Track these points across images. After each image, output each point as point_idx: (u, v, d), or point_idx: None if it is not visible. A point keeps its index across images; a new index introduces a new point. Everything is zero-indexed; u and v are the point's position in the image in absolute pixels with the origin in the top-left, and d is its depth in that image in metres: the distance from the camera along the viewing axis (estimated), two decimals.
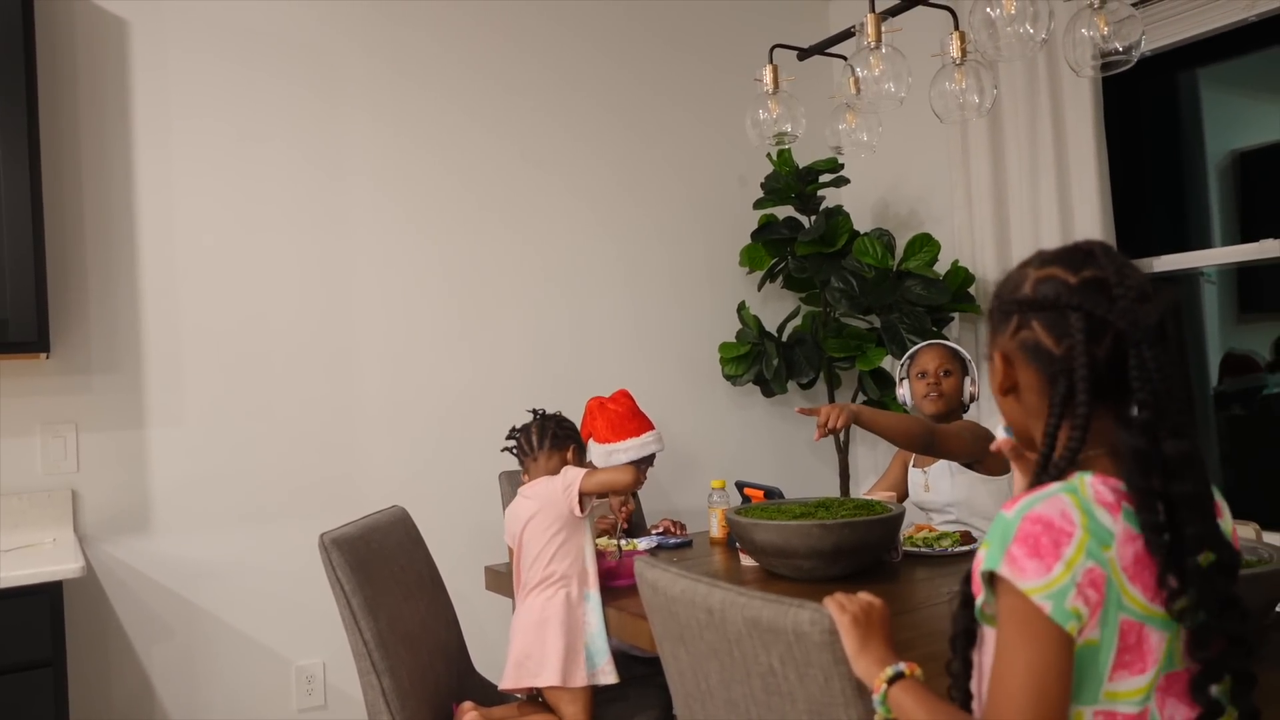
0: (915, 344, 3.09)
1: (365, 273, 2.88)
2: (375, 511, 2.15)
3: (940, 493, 2.49)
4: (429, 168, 3.00)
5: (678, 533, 2.55)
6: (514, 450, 2.16)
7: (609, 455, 2.49)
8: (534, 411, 2.20)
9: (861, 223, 3.75)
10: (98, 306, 2.50)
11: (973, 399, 2.55)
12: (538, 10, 3.22)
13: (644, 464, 2.52)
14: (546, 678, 1.92)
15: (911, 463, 2.63)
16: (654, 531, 2.52)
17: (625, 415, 2.51)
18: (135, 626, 2.51)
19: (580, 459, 2.15)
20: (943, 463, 2.48)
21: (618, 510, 2.50)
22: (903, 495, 2.63)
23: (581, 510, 1.98)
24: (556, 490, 1.99)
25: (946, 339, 2.99)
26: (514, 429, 2.18)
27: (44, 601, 1.96)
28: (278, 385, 2.73)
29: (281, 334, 2.74)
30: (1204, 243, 2.95)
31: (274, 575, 2.69)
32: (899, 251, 3.32)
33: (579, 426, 2.30)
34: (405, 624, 1.99)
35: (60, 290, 2.45)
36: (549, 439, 2.12)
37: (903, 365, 2.65)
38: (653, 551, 2.35)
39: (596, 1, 3.34)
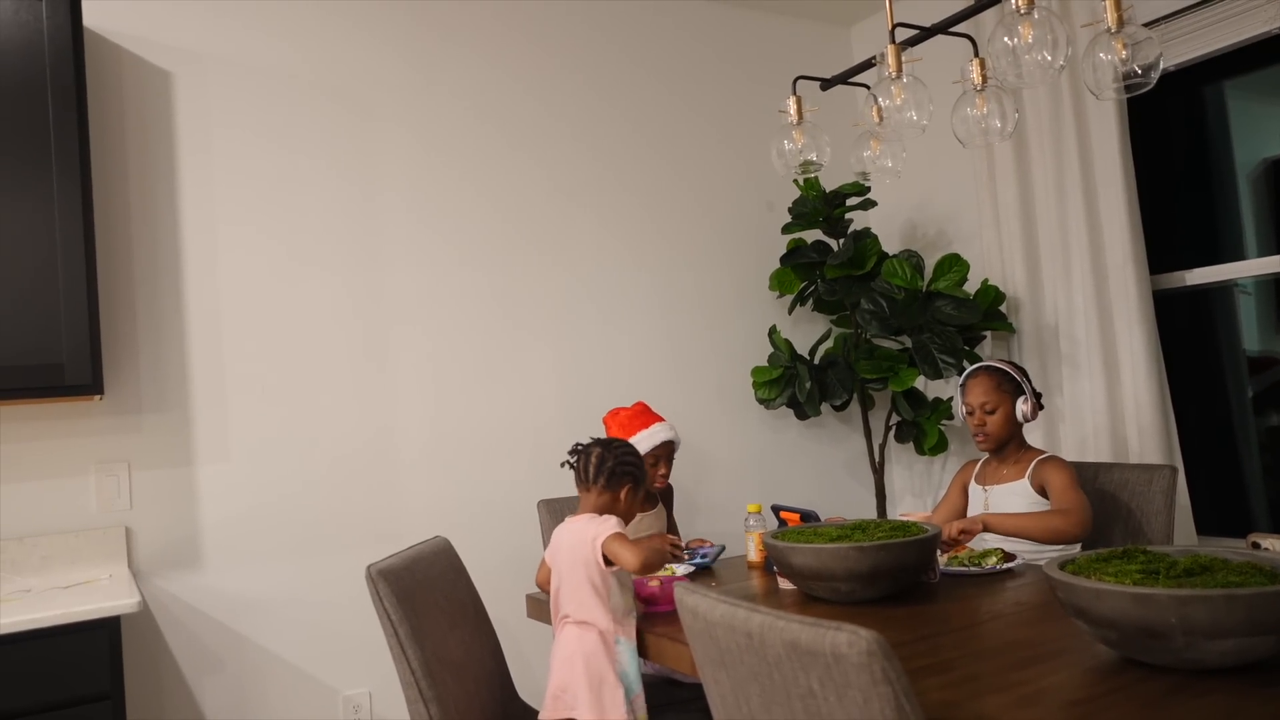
0: (948, 364, 3.08)
1: (404, 308, 2.95)
2: (419, 542, 2.18)
3: (1005, 509, 2.47)
4: (465, 203, 3.07)
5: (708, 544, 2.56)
6: (572, 466, 2.13)
7: None
8: (597, 439, 2.15)
9: (890, 244, 3.78)
10: (147, 349, 2.59)
11: (1025, 419, 2.47)
12: (569, 49, 3.30)
13: (662, 458, 2.61)
14: (582, 711, 1.91)
15: (973, 479, 2.60)
16: (693, 547, 2.54)
17: (635, 414, 2.67)
18: (187, 659, 2.57)
19: (633, 500, 2.10)
20: (1016, 484, 2.45)
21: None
22: (960, 518, 2.60)
23: (606, 565, 1.95)
24: (587, 539, 1.97)
25: (981, 358, 2.97)
26: (578, 446, 2.14)
27: (103, 636, 2.01)
28: (320, 420, 2.79)
29: (322, 371, 2.81)
30: (1237, 254, 2.93)
31: (320, 606, 2.75)
32: (928, 272, 3.34)
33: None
34: (450, 652, 2.03)
35: (111, 334, 2.54)
36: (605, 475, 2.07)
37: (959, 387, 2.61)
38: (690, 575, 2.37)
39: (626, 38, 3.42)
